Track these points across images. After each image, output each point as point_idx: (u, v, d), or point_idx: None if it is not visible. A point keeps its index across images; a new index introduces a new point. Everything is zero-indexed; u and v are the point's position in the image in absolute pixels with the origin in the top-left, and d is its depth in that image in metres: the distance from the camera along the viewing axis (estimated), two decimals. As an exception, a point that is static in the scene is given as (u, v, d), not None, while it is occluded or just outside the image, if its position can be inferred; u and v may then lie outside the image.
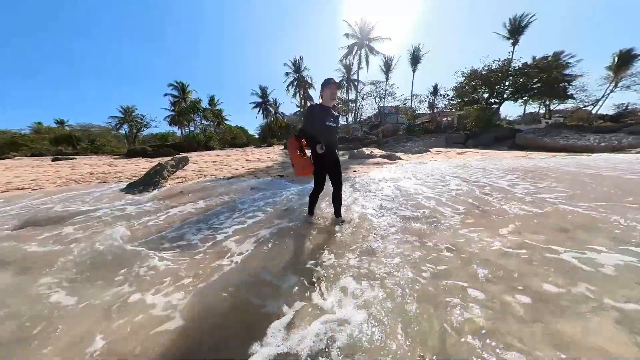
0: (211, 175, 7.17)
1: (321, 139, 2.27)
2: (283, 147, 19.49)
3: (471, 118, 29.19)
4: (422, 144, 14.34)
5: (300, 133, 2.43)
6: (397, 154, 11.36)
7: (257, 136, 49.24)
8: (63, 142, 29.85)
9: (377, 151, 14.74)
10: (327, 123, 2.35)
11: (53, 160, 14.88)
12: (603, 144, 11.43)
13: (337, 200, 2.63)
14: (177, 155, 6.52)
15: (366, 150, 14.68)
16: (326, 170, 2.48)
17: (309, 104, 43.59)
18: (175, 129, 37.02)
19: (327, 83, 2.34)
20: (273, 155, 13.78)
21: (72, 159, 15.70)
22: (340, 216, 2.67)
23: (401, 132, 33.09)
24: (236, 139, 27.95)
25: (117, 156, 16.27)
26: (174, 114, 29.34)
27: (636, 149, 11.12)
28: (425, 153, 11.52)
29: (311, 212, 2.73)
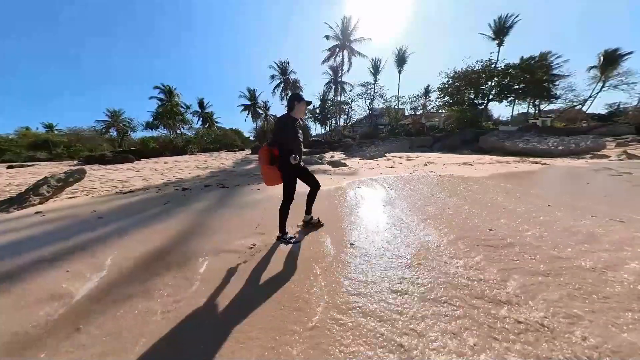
0: (122, 188, 6.82)
1: (295, 151, 2.36)
2: (250, 152, 19.15)
3: (452, 119, 28.87)
4: (382, 148, 13.96)
5: (275, 143, 2.45)
6: (346, 160, 11.00)
7: (252, 139, 47.66)
8: (40, 148, 29.41)
9: (339, 155, 14.41)
10: (299, 136, 2.48)
11: (8, 167, 14.48)
12: (560, 148, 11.06)
13: (311, 198, 2.77)
14: (72, 167, 6.14)
15: (328, 155, 14.38)
16: (298, 177, 2.55)
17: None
18: (165, 132, 36.70)
19: (302, 99, 2.48)
20: (226, 161, 13.40)
21: (29, 166, 15.29)
22: (310, 214, 2.83)
23: (383, 134, 32.78)
24: (215, 142, 27.50)
25: (74, 163, 15.73)
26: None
27: (593, 152, 10.77)
28: (378, 158, 11.15)
29: (282, 229, 2.55)
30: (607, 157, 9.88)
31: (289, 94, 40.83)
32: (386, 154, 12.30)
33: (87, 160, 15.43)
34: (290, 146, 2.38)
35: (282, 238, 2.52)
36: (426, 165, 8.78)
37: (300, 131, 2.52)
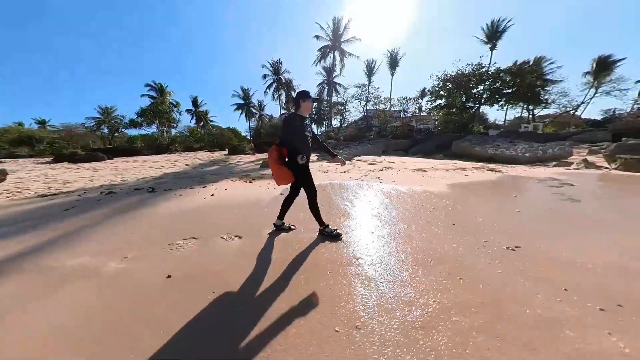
0: (56, 190, 6.66)
1: (302, 150, 2.37)
2: (227, 153, 18.97)
3: (439, 122, 28.73)
4: (354, 151, 13.79)
5: (283, 143, 2.47)
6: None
7: (249, 138, 46.67)
8: (24, 144, 29.15)
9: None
10: (306, 134, 2.47)
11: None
12: (528, 155, 10.90)
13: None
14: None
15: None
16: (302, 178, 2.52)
17: (292, 110, 42.88)
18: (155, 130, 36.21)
19: (309, 96, 2.46)
20: (194, 162, 13.22)
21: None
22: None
23: (372, 135, 32.60)
24: (199, 141, 27.25)
25: (45, 161, 15.57)
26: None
27: (560, 159, 10.60)
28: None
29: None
30: (570, 164, 9.73)
31: (282, 94, 40.54)
32: (355, 158, 12.14)
33: (59, 158, 15.24)
34: (296, 145, 2.38)
35: (324, 231, 2.62)
36: (382, 170, 8.62)
37: (309, 129, 2.51)
